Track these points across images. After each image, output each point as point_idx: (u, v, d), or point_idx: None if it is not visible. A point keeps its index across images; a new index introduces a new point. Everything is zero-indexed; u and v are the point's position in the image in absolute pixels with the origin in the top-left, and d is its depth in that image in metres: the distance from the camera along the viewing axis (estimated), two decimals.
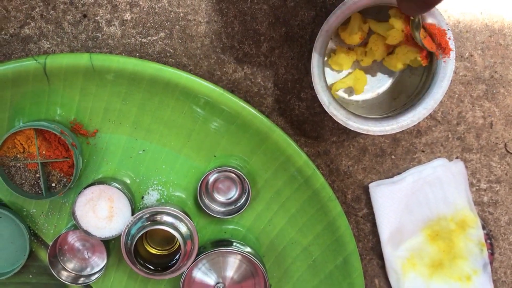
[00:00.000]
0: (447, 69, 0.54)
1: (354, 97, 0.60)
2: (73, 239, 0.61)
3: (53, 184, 0.58)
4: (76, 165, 0.56)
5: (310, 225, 0.61)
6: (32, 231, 0.61)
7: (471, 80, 0.61)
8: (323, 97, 0.54)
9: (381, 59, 0.58)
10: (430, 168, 0.62)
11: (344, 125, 0.55)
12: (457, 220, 0.63)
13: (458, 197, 0.62)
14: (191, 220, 0.57)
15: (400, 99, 0.58)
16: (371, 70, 0.60)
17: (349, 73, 0.59)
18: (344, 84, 0.58)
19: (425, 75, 0.57)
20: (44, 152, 0.57)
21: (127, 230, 0.55)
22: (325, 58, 0.58)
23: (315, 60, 0.53)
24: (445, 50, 0.53)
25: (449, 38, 0.53)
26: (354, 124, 0.54)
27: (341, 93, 0.60)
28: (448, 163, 0.62)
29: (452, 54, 0.53)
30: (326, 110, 0.54)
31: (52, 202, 0.60)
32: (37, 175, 0.57)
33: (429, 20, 0.53)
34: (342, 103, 0.57)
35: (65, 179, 0.58)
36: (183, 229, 0.56)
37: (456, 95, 0.61)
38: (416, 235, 0.63)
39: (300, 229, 0.61)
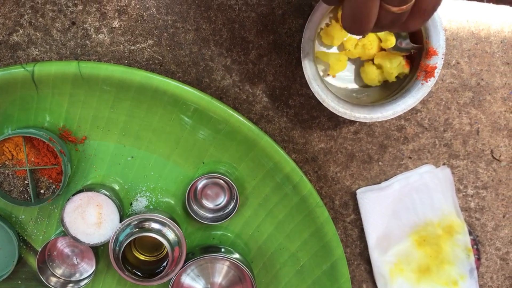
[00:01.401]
0: (419, 92, 0.55)
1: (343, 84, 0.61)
2: (62, 245, 0.61)
3: (42, 191, 0.58)
4: (65, 172, 0.56)
5: (298, 231, 0.61)
6: (21, 237, 0.61)
7: (458, 87, 0.62)
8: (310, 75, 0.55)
9: (367, 59, 0.58)
10: (417, 174, 0.63)
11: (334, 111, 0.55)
12: (444, 226, 0.63)
13: (445, 203, 0.63)
14: (179, 226, 0.57)
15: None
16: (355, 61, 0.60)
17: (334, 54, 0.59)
18: (325, 57, 0.58)
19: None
20: (32, 159, 0.57)
21: (115, 236, 0.56)
22: (318, 31, 0.58)
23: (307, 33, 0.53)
24: (427, 74, 0.54)
25: (436, 67, 0.54)
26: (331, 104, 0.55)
27: (335, 82, 0.60)
28: (435, 169, 0.63)
29: (431, 82, 0.54)
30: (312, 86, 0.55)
31: (41, 208, 0.61)
32: (26, 182, 0.57)
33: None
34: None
35: (54, 186, 0.58)
36: (171, 235, 0.56)
37: (443, 102, 0.62)
38: (403, 241, 0.64)
39: (288, 235, 0.61)
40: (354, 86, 0.60)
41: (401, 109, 0.55)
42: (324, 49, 0.59)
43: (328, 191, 0.64)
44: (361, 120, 0.55)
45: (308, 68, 0.54)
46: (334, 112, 0.55)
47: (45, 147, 0.56)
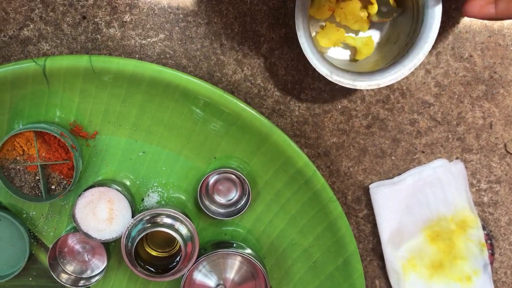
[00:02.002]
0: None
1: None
2: (73, 241, 0.61)
3: (53, 187, 0.58)
4: (76, 167, 0.56)
5: (310, 226, 0.61)
6: (32, 234, 0.61)
7: (471, 80, 0.61)
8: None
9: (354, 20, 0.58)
10: (430, 169, 0.62)
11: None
12: (457, 221, 0.63)
13: (458, 197, 0.62)
14: (192, 221, 0.57)
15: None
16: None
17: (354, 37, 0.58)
18: (352, 41, 0.58)
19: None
20: (44, 154, 0.56)
21: (127, 232, 0.55)
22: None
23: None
24: None
25: None
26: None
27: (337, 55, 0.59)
28: (448, 163, 0.62)
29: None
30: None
31: (51, 204, 0.60)
32: (37, 178, 0.57)
33: None
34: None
35: (65, 182, 0.58)
36: (184, 230, 0.56)
37: (456, 96, 0.61)
38: (416, 236, 0.63)
39: (300, 230, 0.61)
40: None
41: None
42: (351, 34, 0.58)
43: (340, 186, 0.63)
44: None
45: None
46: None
47: (56, 142, 0.56)
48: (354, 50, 0.59)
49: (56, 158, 0.56)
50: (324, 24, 0.58)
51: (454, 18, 0.60)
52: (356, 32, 0.59)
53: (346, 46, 0.59)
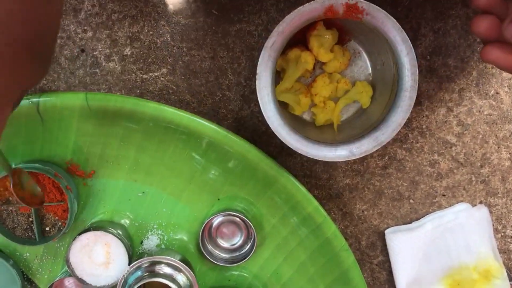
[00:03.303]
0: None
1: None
2: (69, 284, 0.57)
3: (47, 228, 0.55)
4: (71, 210, 0.52)
5: (321, 275, 0.56)
6: (25, 276, 0.58)
7: (497, 119, 0.56)
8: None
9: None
10: (451, 213, 0.58)
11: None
12: (481, 270, 0.58)
13: (482, 245, 0.58)
14: (192, 269, 0.53)
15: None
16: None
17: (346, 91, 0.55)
18: (349, 100, 0.54)
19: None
20: None
21: (123, 280, 0.52)
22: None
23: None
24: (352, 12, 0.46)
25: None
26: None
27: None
28: (471, 208, 0.58)
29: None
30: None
31: (46, 246, 0.57)
32: (30, 219, 0.54)
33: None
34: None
35: (60, 223, 0.55)
36: (182, 279, 0.52)
37: (480, 136, 0.57)
38: (435, 286, 0.58)
39: (310, 278, 0.57)
40: None
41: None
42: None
43: (354, 231, 0.59)
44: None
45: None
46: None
47: (51, 182, 0.53)
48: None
49: (50, 199, 0.53)
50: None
51: (479, 52, 0.55)
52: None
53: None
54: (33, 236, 0.54)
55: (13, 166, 0.54)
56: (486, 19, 0.39)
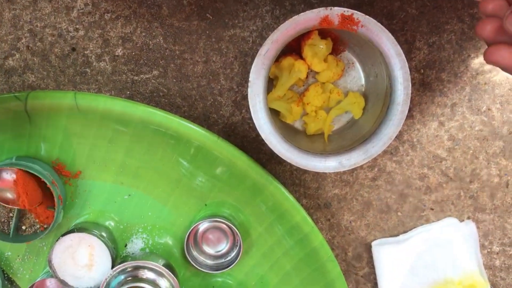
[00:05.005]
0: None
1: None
2: (51, 285, 0.56)
3: (24, 227, 0.54)
4: (55, 220, 0.52)
5: (306, 284, 0.56)
6: (6, 275, 0.57)
7: (488, 135, 0.56)
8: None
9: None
10: (439, 228, 0.58)
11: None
12: (466, 284, 0.58)
13: (468, 260, 0.58)
14: (176, 275, 0.52)
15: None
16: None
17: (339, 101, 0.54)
18: (341, 110, 0.54)
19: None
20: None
21: (105, 283, 0.51)
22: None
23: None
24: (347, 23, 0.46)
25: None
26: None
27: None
28: (459, 223, 0.57)
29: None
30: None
31: (29, 245, 0.56)
32: (11, 214, 0.53)
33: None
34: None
35: (38, 226, 0.54)
36: (165, 285, 0.51)
37: (471, 151, 0.57)
38: None
39: None
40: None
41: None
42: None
43: (340, 241, 0.58)
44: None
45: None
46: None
47: (42, 183, 0.52)
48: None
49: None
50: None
51: (472, 68, 0.55)
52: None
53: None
54: (7, 231, 0.53)
55: (13, 161, 0.52)
56: (492, 22, 0.39)
